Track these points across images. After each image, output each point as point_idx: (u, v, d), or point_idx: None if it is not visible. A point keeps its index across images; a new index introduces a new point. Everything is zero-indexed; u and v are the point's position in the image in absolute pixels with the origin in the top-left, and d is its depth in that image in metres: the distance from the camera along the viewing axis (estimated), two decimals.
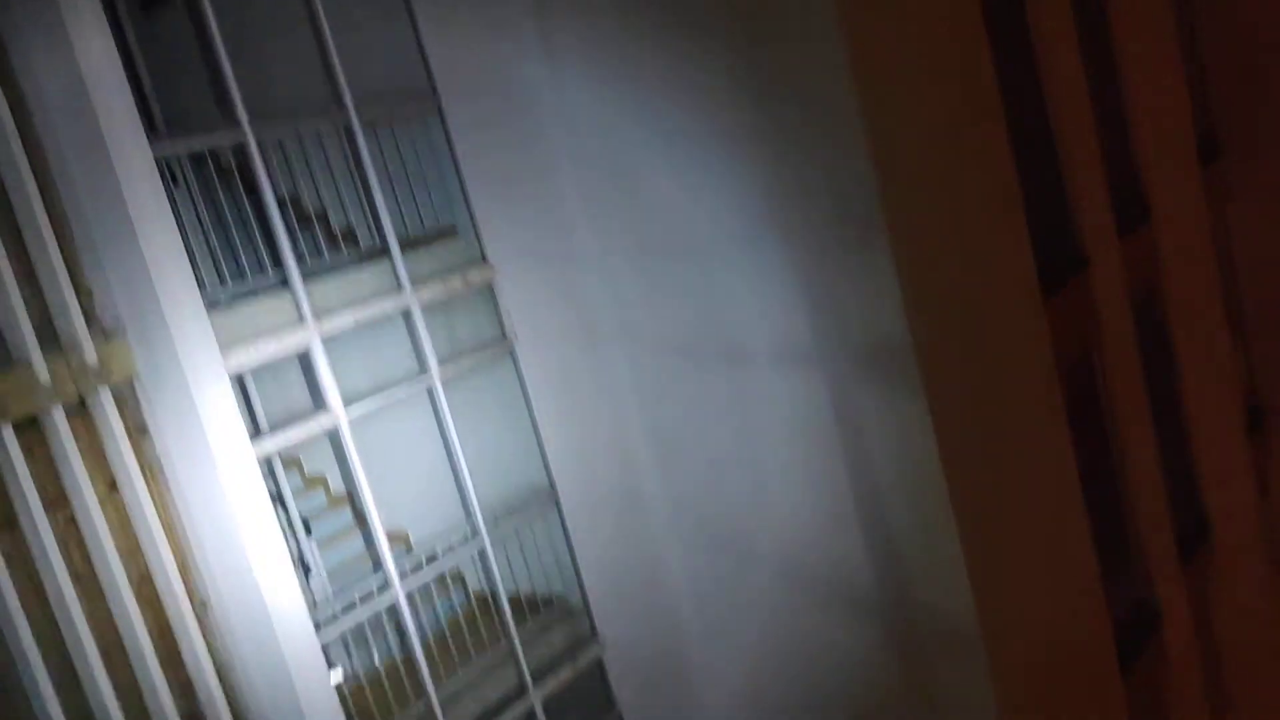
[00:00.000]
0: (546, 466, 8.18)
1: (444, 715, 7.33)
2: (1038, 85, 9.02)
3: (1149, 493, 9.86)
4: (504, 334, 8.09)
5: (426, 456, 7.93)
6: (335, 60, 7.32)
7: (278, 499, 8.15)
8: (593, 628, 8.34)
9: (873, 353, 6.98)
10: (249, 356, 6.58)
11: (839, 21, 6.38)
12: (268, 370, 7.06)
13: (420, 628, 7.48)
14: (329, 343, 7.06)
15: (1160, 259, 10.45)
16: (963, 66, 7.74)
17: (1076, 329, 9.08)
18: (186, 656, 6.17)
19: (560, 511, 8.22)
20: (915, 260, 6.82)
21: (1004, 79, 8.00)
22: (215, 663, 6.29)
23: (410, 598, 7.36)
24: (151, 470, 6.20)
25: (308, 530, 8.28)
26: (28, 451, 5.65)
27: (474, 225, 7.98)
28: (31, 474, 5.63)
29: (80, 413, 5.94)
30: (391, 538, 7.74)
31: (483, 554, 7.80)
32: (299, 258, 7.04)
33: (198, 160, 6.89)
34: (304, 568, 8.12)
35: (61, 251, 5.83)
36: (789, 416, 7.42)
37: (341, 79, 7.34)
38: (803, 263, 7.01)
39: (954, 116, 7.57)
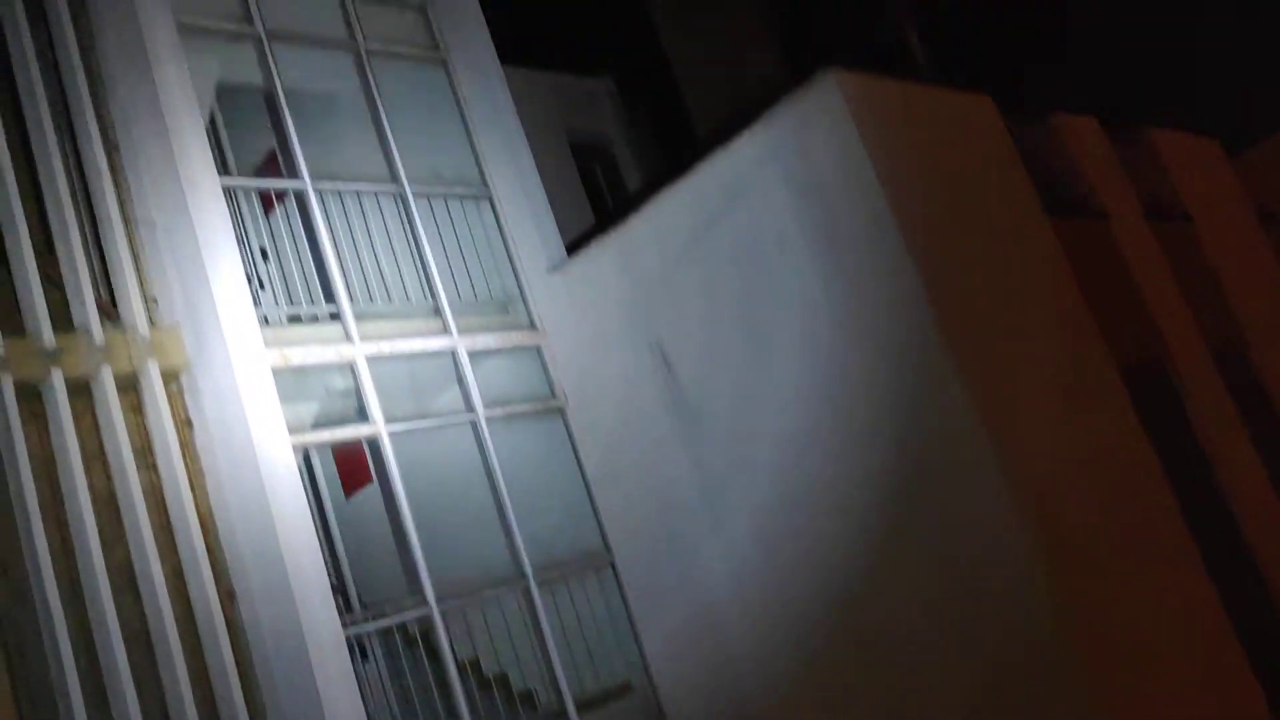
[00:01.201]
0: None
1: None
2: (1215, 492, 8.72)
3: None
4: None
5: None
6: (514, 526, 7.72)
7: None
8: None
9: None
10: None
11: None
12: None
13: None
14: None
15: None
16: (1139, 489, 7.61)
17: None
18: None
19: None
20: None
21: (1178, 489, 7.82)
22: None
23: None
24: None
25: None
26: None
27: (650, 681, 7.90)
28: None
29: None
30: None
31: None
32: None
33: (384, 631, 7.17)
34: None
35: None
36: None
37: (520, 543, 7.69)
38: None
39: (1138, 539, 7.34)
